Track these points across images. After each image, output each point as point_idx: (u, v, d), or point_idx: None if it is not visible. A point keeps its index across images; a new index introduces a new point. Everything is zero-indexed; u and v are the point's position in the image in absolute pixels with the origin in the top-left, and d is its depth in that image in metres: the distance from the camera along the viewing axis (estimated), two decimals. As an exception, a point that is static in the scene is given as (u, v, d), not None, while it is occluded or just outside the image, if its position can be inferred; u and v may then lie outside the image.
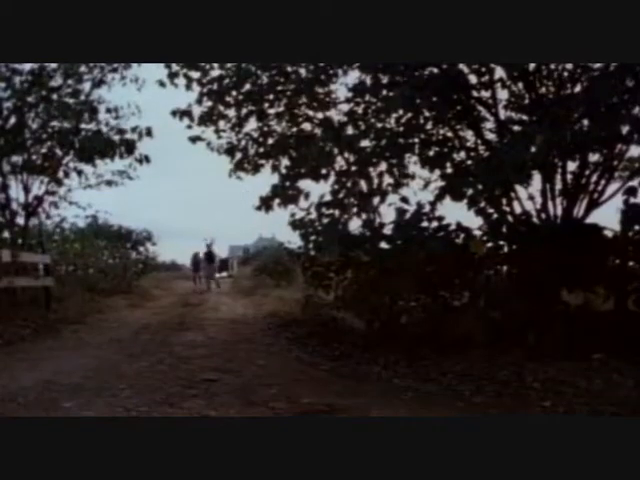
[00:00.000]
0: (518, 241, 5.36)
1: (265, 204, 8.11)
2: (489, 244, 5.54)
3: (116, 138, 8.27)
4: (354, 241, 5.55)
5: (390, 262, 5.19)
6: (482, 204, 5.73)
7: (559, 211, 5.97)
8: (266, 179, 9.83)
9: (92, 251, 12.86)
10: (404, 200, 5.52)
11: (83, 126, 8.57)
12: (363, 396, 4.15)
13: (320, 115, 8.31)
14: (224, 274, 46.57)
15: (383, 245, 5.99)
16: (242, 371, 5.06)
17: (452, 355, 5.07)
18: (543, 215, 5.90)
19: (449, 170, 6.34)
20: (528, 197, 6.24)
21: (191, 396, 4.07)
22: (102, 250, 14.35)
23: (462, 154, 6.88)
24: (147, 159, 8.29)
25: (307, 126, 8.60)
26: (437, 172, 6.89)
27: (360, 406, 3.82)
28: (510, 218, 5.81)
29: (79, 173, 8.53)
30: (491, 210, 5.64)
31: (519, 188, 6.31)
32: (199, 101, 8.79)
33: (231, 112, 9.15)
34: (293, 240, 8.02)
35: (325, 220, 6.01)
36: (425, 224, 5.22)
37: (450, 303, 5.35)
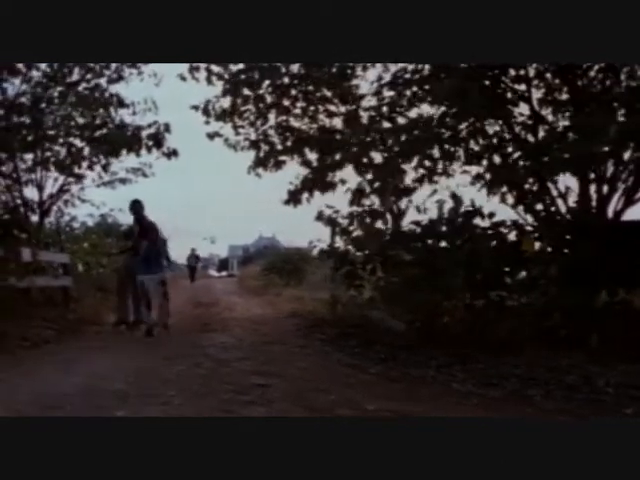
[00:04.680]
0: (572, 239, 5.16)
1: (294, 198, 7.93)
2: (538, 242, 5.34)
3: (143, 133, 8.02)
4: (404, 238, 5.33)
5: (440, 260, 4.98)
6: (529, 201, 5.56)
7: (613, 208, 5.81)
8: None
9: (104, 250, 12.59)
10: (454, 197, 5.32)
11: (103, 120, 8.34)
12: (426, 402, 3.94)
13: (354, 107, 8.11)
14: (224, 273, 46.55)
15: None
16: (287, 375, 4.84)
17: (505, 357, 4.87)
18: (597, 212, 5.72)
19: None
20: (579, 194, 6.07)
21: (247, 402, 3.85)
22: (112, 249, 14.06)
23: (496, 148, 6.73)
24: (175, 153, 8.05)
25: (337, 121, 8.46)
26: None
27: (429, 413, 3.62)
28: (559, 215, 5.63)
29: (104, 167, 8.29)
30: (540, 207, 5.45)
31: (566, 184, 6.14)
32: (223, 96, 8.60)
33: (254, 107, 8.98)
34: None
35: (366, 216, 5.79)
36: (477, 221, 5.02)
37: (500, 302, 5.14)
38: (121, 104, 7.88)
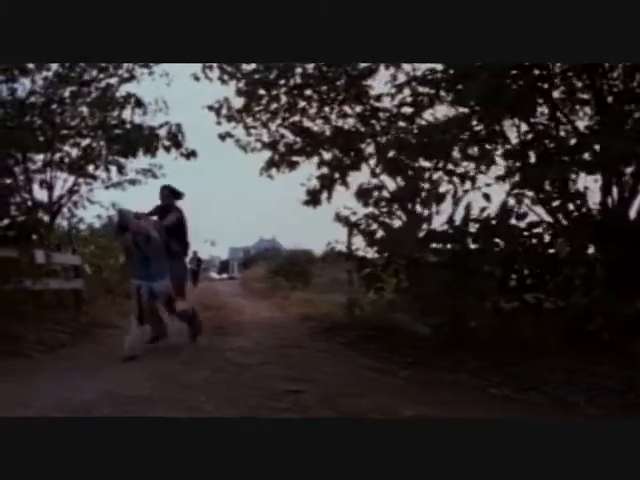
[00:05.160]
0: (603, 240, 5.03)
1: (313, 199, 7.81)
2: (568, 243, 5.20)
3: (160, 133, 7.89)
4: (438, 239, 5.19)
5: (472, 262, 4.86)
6: (557, 203, 5.44)
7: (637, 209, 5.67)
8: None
9: (112, 253, 12.45)
10: (486, 197, 5.20)
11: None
12: (465, 407, 3.81)
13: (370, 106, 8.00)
14: (224, 276, 46.33)
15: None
16: (315, 380, 4.69)
17: (540, 361, 4.74)
18: (621, 213, 5.59)
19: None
20: (602, 193, 5.95)
21: (282, 410, 3.71)
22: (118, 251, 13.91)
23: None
24: (194, 154, 7.91)
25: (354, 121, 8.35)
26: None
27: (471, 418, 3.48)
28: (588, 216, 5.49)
29: (120, 168, 8.13)
30: (568, 208, 5.32)
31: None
32: (238, 95, 8.49)
33: (268, 107, 8.87)
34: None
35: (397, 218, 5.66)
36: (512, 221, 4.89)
37: (537, 305, 5.01)
38: (138, 104, 7.74)
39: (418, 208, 5.76)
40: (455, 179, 5.97)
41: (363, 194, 6.17)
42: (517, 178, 5.48)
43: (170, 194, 6.52)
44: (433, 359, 5.29)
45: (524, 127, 6.44)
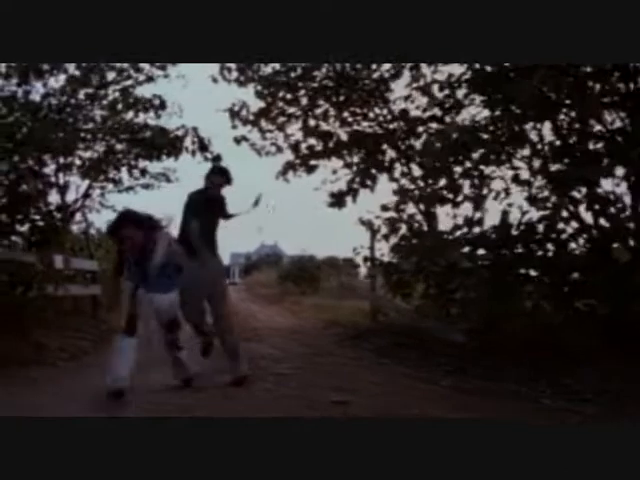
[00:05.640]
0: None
1: (338, 201, 7.70)
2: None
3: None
4: (483, 243, 5.06)
5: (516, 267, 4.73)
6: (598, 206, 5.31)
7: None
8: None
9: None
10: (530, 199, 5.07)
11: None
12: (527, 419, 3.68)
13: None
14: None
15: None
16: (357, 390, 4.54)
17: (587, 370, 4.61)
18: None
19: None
20: (631, 196, 5.82)
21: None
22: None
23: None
24: (219, 158, 7.76)
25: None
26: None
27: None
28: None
29: (142, 172, 7.99)
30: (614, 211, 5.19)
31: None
32: (258, 97, 8.38)
33: (287, 110, 8.76)
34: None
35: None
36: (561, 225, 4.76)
37: (590, 312, 4.87)
38: (162, 106, 7.60)
39: (458, 212, 5.62)
40: (493, 182, 5.82)
41: (404, 193, 6.04)
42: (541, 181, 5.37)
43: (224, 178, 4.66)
44: (469, 366, 5.16)
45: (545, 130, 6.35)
